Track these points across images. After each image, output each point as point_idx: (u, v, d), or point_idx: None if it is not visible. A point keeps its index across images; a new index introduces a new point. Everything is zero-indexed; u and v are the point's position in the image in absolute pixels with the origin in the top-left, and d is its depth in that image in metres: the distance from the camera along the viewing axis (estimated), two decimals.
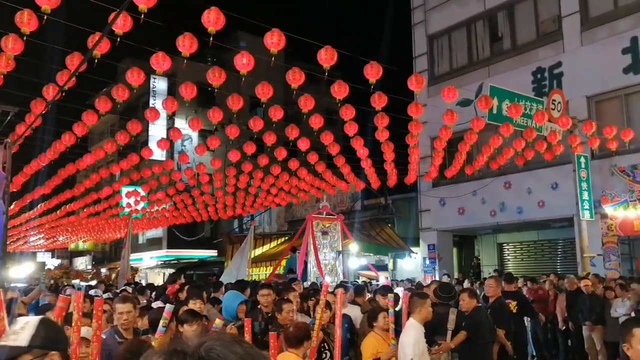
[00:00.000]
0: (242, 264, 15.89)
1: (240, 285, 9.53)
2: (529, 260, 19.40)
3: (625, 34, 14.67)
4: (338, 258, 14.17)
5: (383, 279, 14.13)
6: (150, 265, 34.09)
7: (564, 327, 10.94)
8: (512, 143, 13.42)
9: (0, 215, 10.26)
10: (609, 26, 15.16)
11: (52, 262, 40.81)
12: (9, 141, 10.64)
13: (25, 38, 7.21)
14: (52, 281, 22.39)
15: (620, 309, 9.55)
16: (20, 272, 27.36)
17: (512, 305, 8.39)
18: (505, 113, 12.15)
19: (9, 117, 10.81)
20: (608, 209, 13.93)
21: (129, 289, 12.15)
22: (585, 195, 13.87)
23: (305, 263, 13.57)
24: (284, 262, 16.98)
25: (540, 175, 15.93)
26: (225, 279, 14.04)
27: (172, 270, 25.24)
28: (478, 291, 10.89)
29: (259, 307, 7.10)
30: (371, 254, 20.43)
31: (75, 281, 26.26)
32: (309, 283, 12.00)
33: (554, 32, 16.63)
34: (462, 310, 7.09)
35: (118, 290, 11.67)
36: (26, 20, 6.95)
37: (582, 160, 14.09)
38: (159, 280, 26.92)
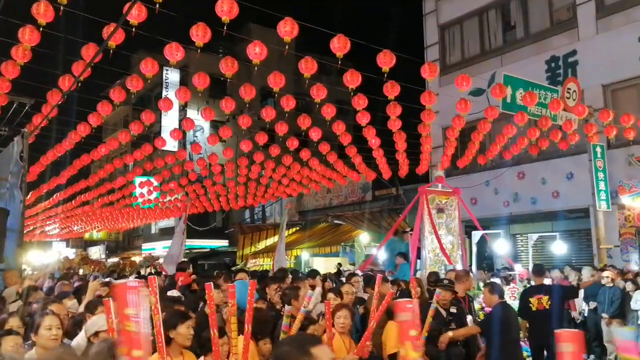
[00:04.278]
0: (282, 249, 15.58)
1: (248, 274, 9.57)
2: (543, 251, 19.31)
3: None
4: (457, 242, 11.69)
5: (520, 268, 11.98)
6: (162, 254, 34.35)
7: (579, 320, 10.88)
8: (526, 132, 13.31)
9: (18, 204, 10.42)
10: (624, 14, 14.97)
11: (67, 252, 41.19)
12: (26, 131, 10.75)
13: (41, 29, 7.25)
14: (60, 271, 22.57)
15: None
16: (45, 260, 27.89)
17: (544, 300, 7.95)
18: (520, 102, 12.06)
19: (25, 108, 10.92)
20: (625, 200, 13.79)
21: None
22: (602, 186, 13.75)
23: (419, 248, 11.32)
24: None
25: (555, 165, 15.81)
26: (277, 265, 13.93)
27: (183, 260, 25.40)
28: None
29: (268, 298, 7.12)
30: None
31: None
32: (426, 272, 10.30)
33: (568, 20, 16.47)
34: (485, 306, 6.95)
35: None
36: (43, 12, 6.98)
37: (598, 149, 13.96)
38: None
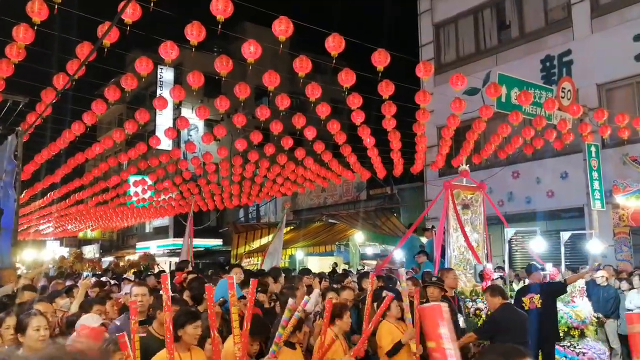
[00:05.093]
0: (279, 248, 15.45)
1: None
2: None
3: (637, 21, 14.55)
4: (482, 239, 10.94)
5: (551, 268, 10.44)
6: (157, 253, 34.36)
7: None
8: (520, 132, 13.34)
9: (12, 202, 10.39)
10: (619, 13, 15.03)
11: (61, 250, 41.08)
12: (20, 130, 10.71)
13: (36, 27, 7.22)
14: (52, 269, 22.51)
15: (635, 300, 9.45)
16: (39, 257, 27.95)
17: (536, 299, 7.93)
18: (515, 101, 12.07)
19: (20, 107, 10.87)
20: (620, 199, 13.82)
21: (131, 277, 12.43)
22: (596, 185, 13.77)
23: (443, 246, 10.60)
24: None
25: (550, 165, 15.85)
26: (267, 264, 13.77)
27: (177, 259, 25.42)
28: None
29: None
30: (377, 244, 20.48)
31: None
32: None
33: (563, 20, 16.52)
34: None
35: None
36: (37, 10, 6.95)
37: (593, 149, 13.98)
38: (165, 269, 27.01)
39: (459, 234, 10.47)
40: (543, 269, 11.62)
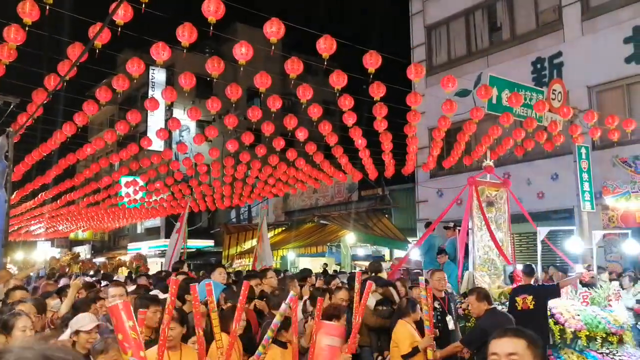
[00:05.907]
0: (267, 249, 15.45)
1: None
2: (528, 252, 19.45)
3: (627, 23, 14.62)
4: (507, 239, 10.45)
5: (582, 269, 9.79)
6: (148, 254, 34.26)
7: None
8: (511, 133, 13.40)
9: (2, 203, 10.36)
10: (610, 15, 15.11)
11: (52, 251, 40.88)
12: (11, 130, 10.68)
13: (27, 28, 7.20)
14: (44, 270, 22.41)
15: (625, 301, 9.46)
16: (30, 258, 27.93)
17: (528, 300, 7.83)
18: (505, 103, 12.10)
19: (10, 107, 10.84)
20: (609, 201, 13.91)
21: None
22: (586, 187, 13.80)
23: (467, 245, 10.05)
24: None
25: (540, 166, 15.92)
26: (259, 266, 13.96)
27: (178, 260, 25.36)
28: None
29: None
30: (368, 245, 20.54)
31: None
32: (474, 273, 9.48)
33: (554, 22, 16.61)
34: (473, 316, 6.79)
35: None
36: (28, 11, 6.94)
37: (583, 150, 14.02)
38: (156, 269, 26.92)
39: (483, 233, 10.08)
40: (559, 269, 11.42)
